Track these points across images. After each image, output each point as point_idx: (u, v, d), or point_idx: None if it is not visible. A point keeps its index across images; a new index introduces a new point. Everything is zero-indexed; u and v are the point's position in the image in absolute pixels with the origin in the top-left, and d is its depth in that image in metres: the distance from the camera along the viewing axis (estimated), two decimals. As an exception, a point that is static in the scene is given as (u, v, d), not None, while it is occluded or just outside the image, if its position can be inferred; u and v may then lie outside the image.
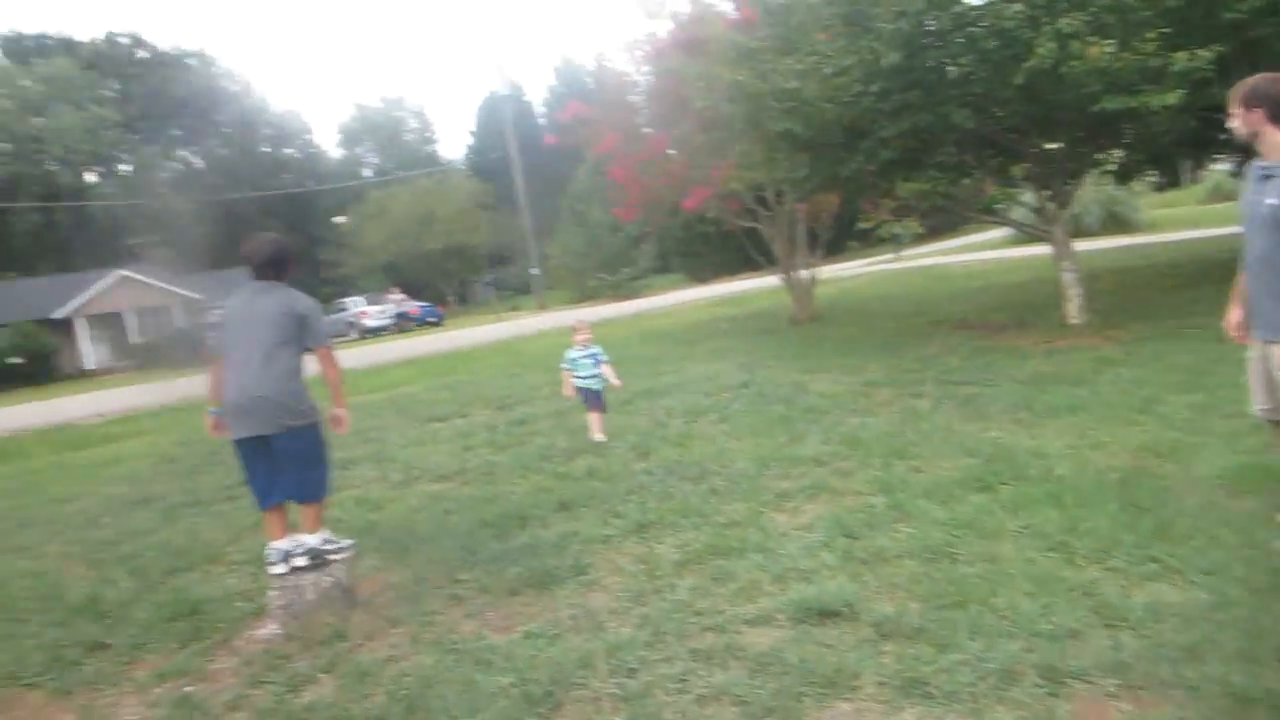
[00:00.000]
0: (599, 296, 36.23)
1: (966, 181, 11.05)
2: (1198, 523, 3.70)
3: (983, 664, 2.82)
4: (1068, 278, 9.58)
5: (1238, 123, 3.33)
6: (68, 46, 56.98)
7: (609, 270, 36.94)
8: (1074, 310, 9.50)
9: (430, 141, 68.85)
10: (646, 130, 14.20)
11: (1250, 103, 3.27)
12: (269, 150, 64.80)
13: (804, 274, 14.84)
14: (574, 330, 7.08)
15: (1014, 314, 11.06)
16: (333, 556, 4.15)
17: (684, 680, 3.01)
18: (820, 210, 14.37)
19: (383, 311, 36.91)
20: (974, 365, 8.05)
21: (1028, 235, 12.66)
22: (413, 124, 69.29)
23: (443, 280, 50.96)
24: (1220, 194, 27.71)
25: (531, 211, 39.29)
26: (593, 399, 6.95)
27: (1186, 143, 10.78)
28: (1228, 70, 6.16)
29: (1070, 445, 5.10)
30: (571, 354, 6.97)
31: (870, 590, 3.51)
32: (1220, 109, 3.61)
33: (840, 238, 20.36)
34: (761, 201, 14.24)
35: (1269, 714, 2.45)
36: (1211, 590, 3.14)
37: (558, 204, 41.65)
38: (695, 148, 12.59)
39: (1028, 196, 11.40)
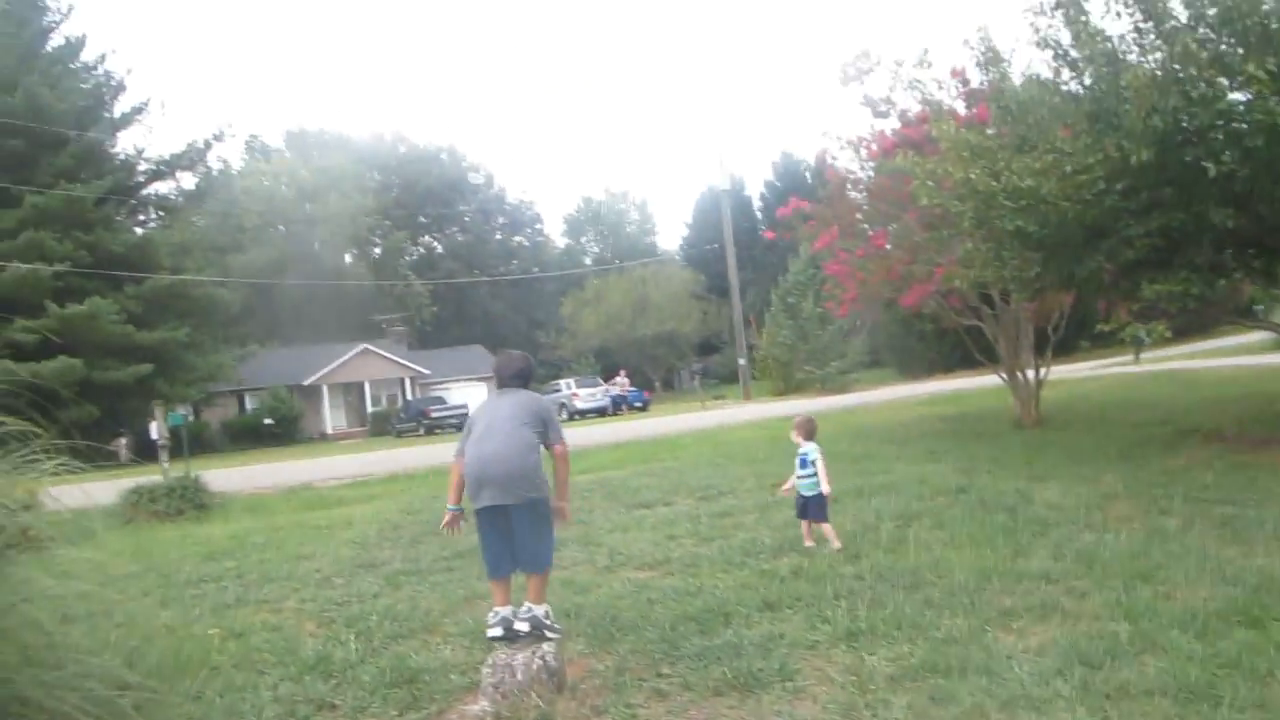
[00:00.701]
0: (806, 389, 35.77)
1: (1223, 282, 10.14)
2: None
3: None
4: (1346, 392, 8.50)
5: None
6: (341, 142, 64.14)
7: (818, 363, 36.48)
8: (1355, 427, 8.40)
9: (650, 233, 71.51)
10: (865, 226, 14.08)
11: None
12: (501, 238, 69.50)
13: (1030, 374, 14.04)
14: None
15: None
16: (549, 634, 4.26)
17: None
18: (1050, 309, 13.63)
19: (593, 394, 38.10)
20: (1232, 482, 7.27)
21: (1294, 342, 11.40)
22: (634, 216, 72.31)
23: (650, 366, 52.16)
24: None
25: (742, 302, 39.67)
26: (798, 504, 6.59)
27: None
28: None
29: (1359, 584, 4.44)
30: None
31: (1114, 731, 3.16)
32: None
33: (1071, 337, 19.17)
34: (986, 299, 13.69)
35: None
36: None
37: (768, 295, 41.86)
38: (916, 244, 12.32)
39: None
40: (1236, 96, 7.25)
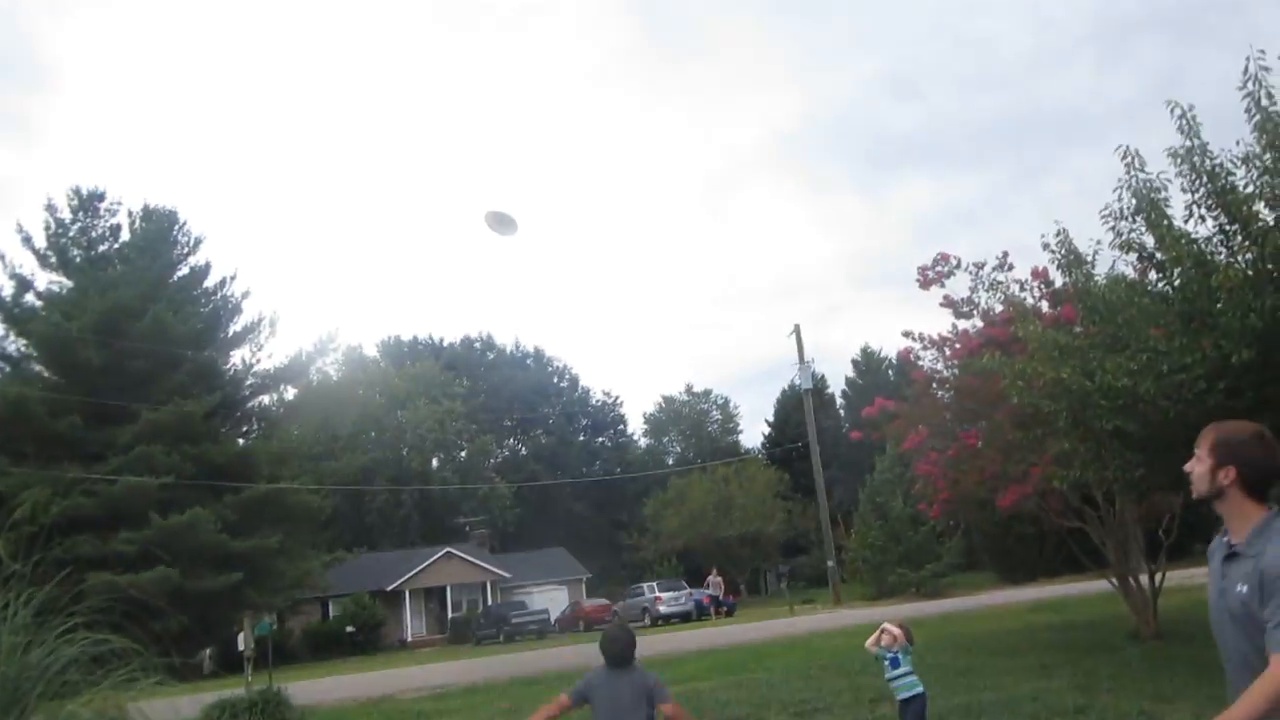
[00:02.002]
0: (899, 594, 34.21)
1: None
2: None
3: None
4: None
5: (1201, 474, 2.56)
6: (434, 350, 67.02)
7: (910, 566, 35.02)
8: None
9: (733, 431, 71.53)
10: (954, 425, 13.87)
11: (1221, 456, 2.53)
12: (584, 439, 70.36)
13: (1144, 581, 13.20)
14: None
15: None
16: None
17: None
18: (1160, 511, 12.96)
19: (676, 598, 37.09)
20: None
21: None
22: (716, 415, 72.67)
23: (735, 568, 50.76)
24: None
25: (828, 501, 38.84)
26: (900, 712, 6.13)
27: None
28: None
29: None
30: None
31: None
32: None
33: (1187, 541, 17.92)
34: (1088, 500, 13.13)
35: None
36: None
37: (855, 494, 40.97)
38: (1009, 443, 12.04)
39: None
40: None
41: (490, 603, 43.01)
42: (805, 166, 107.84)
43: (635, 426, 73.79)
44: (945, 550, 35.61)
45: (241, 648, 13.38)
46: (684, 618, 35.79)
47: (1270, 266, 7.11)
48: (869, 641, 6.36)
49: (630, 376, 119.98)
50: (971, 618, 19.99)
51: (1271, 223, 7.48)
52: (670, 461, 67.15)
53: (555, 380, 71.25)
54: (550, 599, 42.80)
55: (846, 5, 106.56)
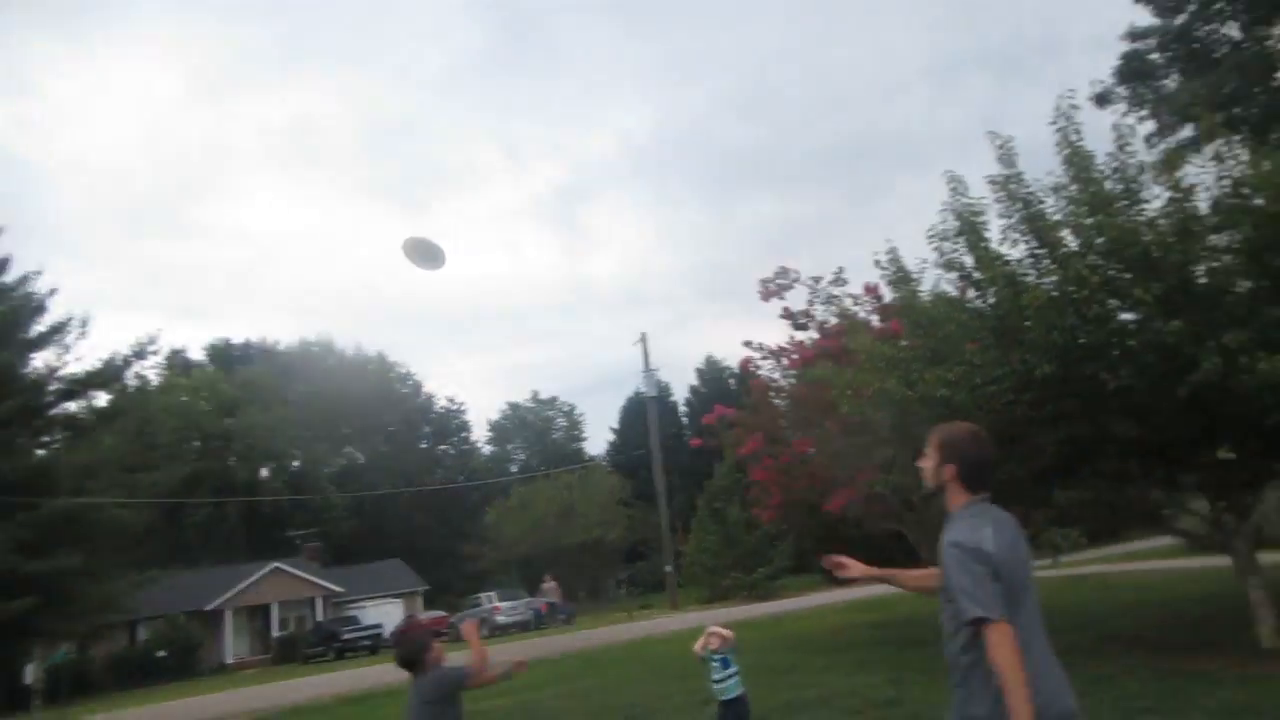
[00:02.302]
0: (733, 596, 35.09)
1: (1130, 490, 10.47)
2: None
3: None
4: (1256, 595, 8.70)
5: (928, 469, 3.02)
6: (267, 354, 63.45)
7: (744, 569, 35.99)
8: (1267, 632, 8.53)
9: (578, 439, 71.39)
10: (789, 433, 14.35)
11: (943, 454, 2.97)
12: (426, 447, 68.49)
13: (955, 581, 14.03)
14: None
15: (1197, 633, 10.03)
16: None
17: None
18: (970, 515, 13.80)
19: (515, 608, 36.64)
20: (1156, 690, 7.28)
21: (1201, 546, 11.73)
22: (561, 422, 72.41)
23: (576, 575, 50.75)
24: None
25: (669, 508, 39.41)
26: (720, 714, 6.13)
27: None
28: None
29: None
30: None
31: None
32: None
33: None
34: (908, 505, 13.84)
35: None
36: None
37: (694, 500, 41.78)
38: (838, 450, 12.56)
39: (1198, 504, 10.68)
40: (1127, 316, 7.82)
41: (319, 619, 41.20)
42: (655, 179, 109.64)
43: (479, 434, 72.63)
44: (777, 554, 36.74)
45: (29, 680, 12.20)
46: (523, 627, 35.43)
47: (1072, 289, 7.72)
48: (697, 645, 6.37)
49: (476, 383, 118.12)
50: (799, 618, 20.70)
51: (1074, 249, 8.15)
52: (514, 469, 66.44)
53: (397, 386, 69.19)
54: (385, 613, 41.36)
55: (698, 25, 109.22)
